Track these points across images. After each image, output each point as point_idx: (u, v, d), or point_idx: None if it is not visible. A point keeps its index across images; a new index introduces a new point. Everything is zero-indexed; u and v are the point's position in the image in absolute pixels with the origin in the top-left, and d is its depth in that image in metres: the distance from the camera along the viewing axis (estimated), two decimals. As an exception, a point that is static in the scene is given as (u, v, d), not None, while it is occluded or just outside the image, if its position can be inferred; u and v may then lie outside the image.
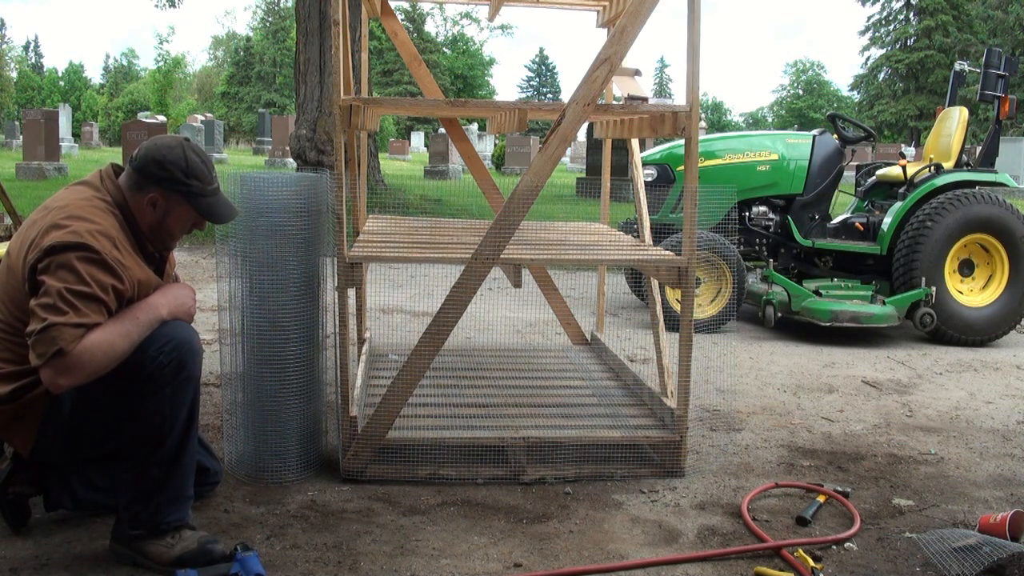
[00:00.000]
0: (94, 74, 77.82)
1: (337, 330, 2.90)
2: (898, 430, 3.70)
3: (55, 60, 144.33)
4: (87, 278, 2.04)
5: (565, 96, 3.92)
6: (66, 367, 1.98)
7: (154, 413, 2.18)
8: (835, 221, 6.19)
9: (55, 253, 2.05)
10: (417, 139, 42.46)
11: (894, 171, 6.10)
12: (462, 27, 51.18)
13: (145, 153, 2.28)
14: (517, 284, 3.01)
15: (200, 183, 2.29)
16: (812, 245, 5.99)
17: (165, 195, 2.27)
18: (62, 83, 66.38)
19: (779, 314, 5.56)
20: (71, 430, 2.22)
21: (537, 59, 74.53)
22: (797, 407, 4.00)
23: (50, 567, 2.21)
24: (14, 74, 61.86)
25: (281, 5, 54.94)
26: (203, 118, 26.79)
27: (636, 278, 6.33)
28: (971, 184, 5.82)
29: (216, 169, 2.39)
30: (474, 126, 28.76)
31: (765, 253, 6.09)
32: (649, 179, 6.04)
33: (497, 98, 50.07)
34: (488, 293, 6.40)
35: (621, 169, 11.50)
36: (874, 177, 6.39)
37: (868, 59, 48.58)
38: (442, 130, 17.27)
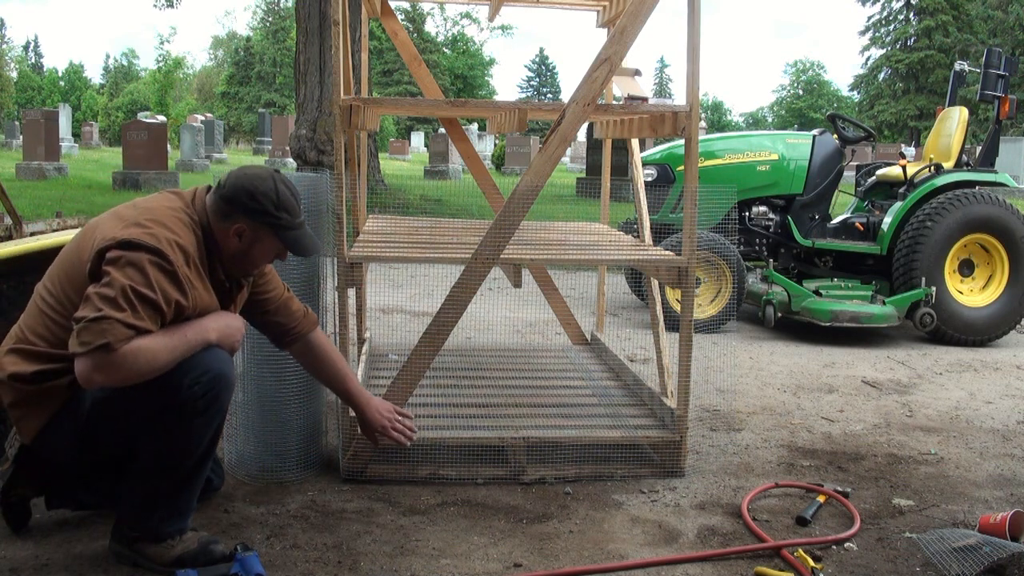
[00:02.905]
0: (94, 74, 78.03)
1: (337, 330, 2.90)
2: (898, 430, 3.70)
3: (55, 60, 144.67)
4: (155, 284, 2.00)
5: (565, 96, 3.92)
6: (107, 364, 1.92)
7: (177, 438, 2.15)
8: (835, 221, 6.19)
9: (129, 249, 2.01)
10: (417, 139, 42.46)
11: (894, 171, 6.10)
12: (462, 27, 51.23)
13: (235, 182, 2.23)
14: (517, 284, 3.01)
15: (289, 216, 2.26)
16: (812, 245, 5.99)
17: (253, 226, 2.24)
18: (62, 83, 66.40)
19: (779, 314, 5.55)
20: (85, 430, 2.17)
21: (537, 59, 74.61)
22: (797, 407, 4.00)
23: (50, 567, 2.21)
24: (14, 74, 61.83)
25: (281, 5, 54.95)
26: (203, 118, 26.78)
27: (636, 278, 6.33)
28: (971, 184, 5.82)
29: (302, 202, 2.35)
30: (474, 126, 28.76)
31: (765, 253, 6.09)
32: (649, 179, 6.04)
33: (497, 98, 50.08)
34: (488, 293, 6.40)
35: (621, 169, 11.49)
36: (874, 177, 6.38)
37: (868, 59, 48.63)
38: (442, 130, 17.27)
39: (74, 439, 2.17)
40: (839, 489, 2.90)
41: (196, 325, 2.13)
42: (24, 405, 2.15)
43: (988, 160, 6.04)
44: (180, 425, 2.13)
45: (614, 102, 4.03)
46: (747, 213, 6.14)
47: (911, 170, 5.95)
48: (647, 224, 3.82)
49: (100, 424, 2.16)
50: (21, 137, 18.29)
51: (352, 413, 2.86)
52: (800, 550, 2.42)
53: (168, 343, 2.03)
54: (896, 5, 46.67)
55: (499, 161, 23.33)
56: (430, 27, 52.40)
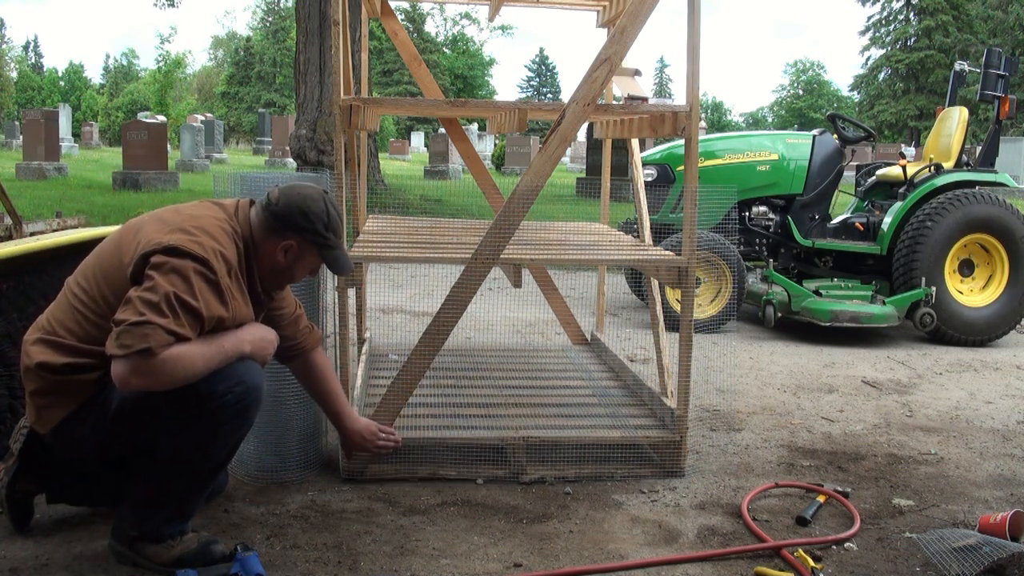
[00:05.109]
0: (94, 74, 78.01)
1: (337, 330, 2.90)
2: (898, 430, 3.70)
3: (55, 60, 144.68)
4: (197, 293, 2.01)
5: (565, 96, 3.92)
6: (145, 368, 1.91)
7: (199, 444, 2.15)
8: (835, 221, 6.19)
9: (175, 255, 2.01)
10: (417, 139, 42.46)
11: (894, 171, 6.10)
12: (462, 27, 51.13)
13: (288, 201, 2.24)
14: (517, 284, 3.01)
15: (335, 237, 2.31)
16: (812, 245, 5.99)
17: (300, 244, 2.27)
18: (62, 83, 66.38)
19: (779, 314, 5.56)
20: (109, 427, 2.14)
21: (537, 59, 74.60)
22: (797, 407, 4.00)
23: (50, 567, 2.21)
24: (14, 74, 61.81)
25: (281, 5, 54.97)
26: (203, 118, 26.79)
27: (636, 278, 6.33)
28: (971, 184, 5.82)
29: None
30: (474, 126, 28.77)
31: (765, 253, 6.10)
32: (649, 179, 6.04)
33: (497, 98, 50.08)
34: (488, 293, 6.40)
35: (621, 169, 11.50)
36: (874, 177, 6.39)
37: (868, 59, 48.66)
38: (442, 130, 17.28)
39: (95, 434, 2.16)
40: (839, 489, 2.90)
41: (232, 336, 2.13)
42: (49, 394, 2.13)
43: (988, 160, 6.04)
44: (206, 431, 2.13)
45: (614, 102, 4.03)
46: (747, 213, 6.14)
47: (911, 170, 5.96)
48: (647, 224, 3.82)
49: (125, 422, 2.14)
50: (21, 137, 18.30)
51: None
52: (800, 550, 2.43)
53: (205, 352, 2.03)
54: (896, 5, 46.70)
55: (499, 161, 23.34)
56: (430, 27, 52.40)
